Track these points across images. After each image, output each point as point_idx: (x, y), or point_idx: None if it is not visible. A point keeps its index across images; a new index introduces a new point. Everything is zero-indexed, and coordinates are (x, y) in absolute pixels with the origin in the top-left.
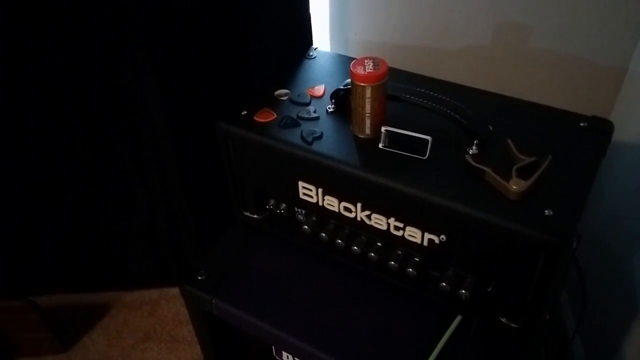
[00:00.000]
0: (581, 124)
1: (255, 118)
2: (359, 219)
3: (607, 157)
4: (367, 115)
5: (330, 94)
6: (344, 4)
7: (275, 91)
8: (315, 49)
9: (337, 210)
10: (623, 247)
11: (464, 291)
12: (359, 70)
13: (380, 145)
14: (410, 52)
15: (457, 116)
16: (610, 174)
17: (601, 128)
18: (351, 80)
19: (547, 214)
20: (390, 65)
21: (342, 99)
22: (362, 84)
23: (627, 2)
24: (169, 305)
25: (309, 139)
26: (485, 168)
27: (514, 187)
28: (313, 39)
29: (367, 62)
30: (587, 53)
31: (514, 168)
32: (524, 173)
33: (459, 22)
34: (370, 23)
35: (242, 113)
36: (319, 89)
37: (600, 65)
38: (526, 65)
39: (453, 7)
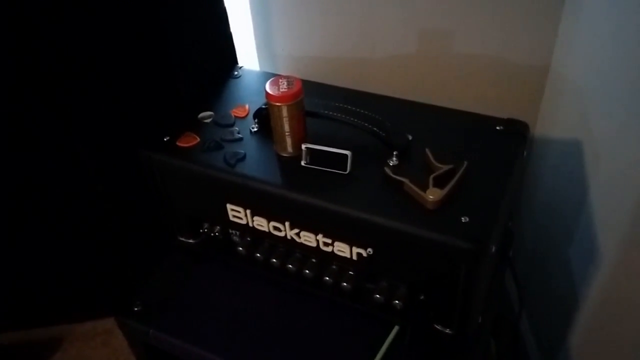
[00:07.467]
0: (497, 128)
1: (178, 143)
2: (289, 237)
3: (538, 154)
4: (286, 133)
5: (253, 113)
6: (267, 21)
7: (199, 114)
8: (241, 67)
9: (267, 230)
10: (562, 239)
11: (397, 301)
12: (274, 90)
13: (302, 163)
14: (337, 65)
15: (375, 129)
16: (540, 171)
17: (516, 130)
18: (267, 101)
19: (463, 220)
20: (318, 78)
21: (265, 118)
22: (277, 104)
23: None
24: (123, 335)
25: (232, 162)
26: (403, 179)
27: (431, 196)
28: (239, 57)
29: (281, 82)
30: (509, 54)
31: (431, 177)
32: (440, 181)
33: (381, 32)
34: (295, 38)
35: (165, 139)
36: (243, 109)
37: (523, 65)
38: (450, 71)
39: (375, 18)
